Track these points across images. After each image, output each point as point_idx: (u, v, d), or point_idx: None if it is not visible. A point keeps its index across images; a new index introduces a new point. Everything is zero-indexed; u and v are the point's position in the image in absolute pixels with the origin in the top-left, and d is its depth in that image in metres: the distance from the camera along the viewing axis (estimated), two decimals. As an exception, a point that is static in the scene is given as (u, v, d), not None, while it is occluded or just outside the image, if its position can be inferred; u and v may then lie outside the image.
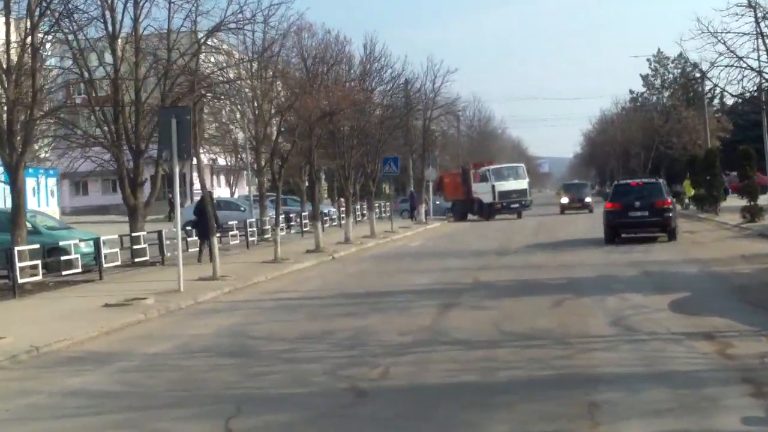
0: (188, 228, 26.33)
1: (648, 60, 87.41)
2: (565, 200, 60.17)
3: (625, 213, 27.94)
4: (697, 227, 34.24)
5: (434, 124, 51.52)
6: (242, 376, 10.30)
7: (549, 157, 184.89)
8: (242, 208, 42.77)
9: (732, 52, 27.36)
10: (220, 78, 25.61)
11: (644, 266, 20.79)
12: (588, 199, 59.60)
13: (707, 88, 69.45)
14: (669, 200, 28.83)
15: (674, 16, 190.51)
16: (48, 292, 19.38)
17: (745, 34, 27.17)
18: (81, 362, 11.69)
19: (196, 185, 72.94)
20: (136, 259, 24.04)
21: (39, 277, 19.53)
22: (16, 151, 19.87)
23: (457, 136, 70.89)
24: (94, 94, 24.74)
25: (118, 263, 22.96)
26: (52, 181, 54.20)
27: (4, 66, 19.42)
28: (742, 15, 27.13)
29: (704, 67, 42.85)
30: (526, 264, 22.72)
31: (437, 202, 58.01)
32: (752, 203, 32.64)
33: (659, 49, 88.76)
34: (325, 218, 42.86)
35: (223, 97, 24.05)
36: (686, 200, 50.13)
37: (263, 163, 36.34)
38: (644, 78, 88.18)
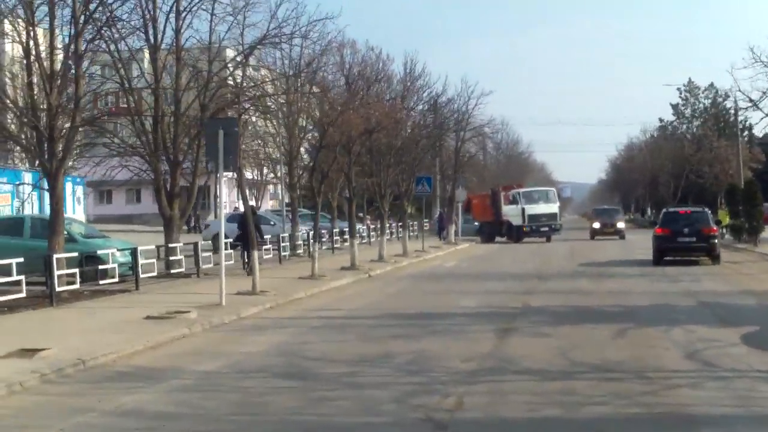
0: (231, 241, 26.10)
1: (678, 89, 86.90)
2: (596, 225, 57.35)
3: (674, 238, 30.44)
4: (739, 257, 33.41)
5: (465, 145, 50.84)
6: (305, 401, 9.68)
7: (571, 182, 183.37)
8: (272, 223, 42.22)
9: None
10: (260, 92, 25.04)
11: (698, 296, 20.07)
12: (620, 225, 56.78)
13: (741, 117, 68.99)
14: (715, 228, 31.53)
15: (709, 46, 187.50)
16: (85, 302, 18.84)
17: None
18: (131, 378, 11.08)
19: (223, 198, 72.99)
20: (172, 271, 23.51)
21: (76, 286, 19.03)
22: (56, 157, 19.38)
23: (483, 159, 70.14)
24: (133, 104, 24.27)
25: (155, 274, 22.41)
26: (79, 189, 53.98)
27: (48, 72, 18.95)
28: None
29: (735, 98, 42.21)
30: (572, 289, 22.03)
31: (475, 223, 57.10)
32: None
33: (690, 79, 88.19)
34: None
35: (262, 111, 23.35)
36: (722, 230, 49.22)
37: (296, 177, 35.89)
38: (674, 107, 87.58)
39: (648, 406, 9.18)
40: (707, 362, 11.70)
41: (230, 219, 43.70)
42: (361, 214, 61.19)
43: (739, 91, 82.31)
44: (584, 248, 43.88)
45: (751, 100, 27.59)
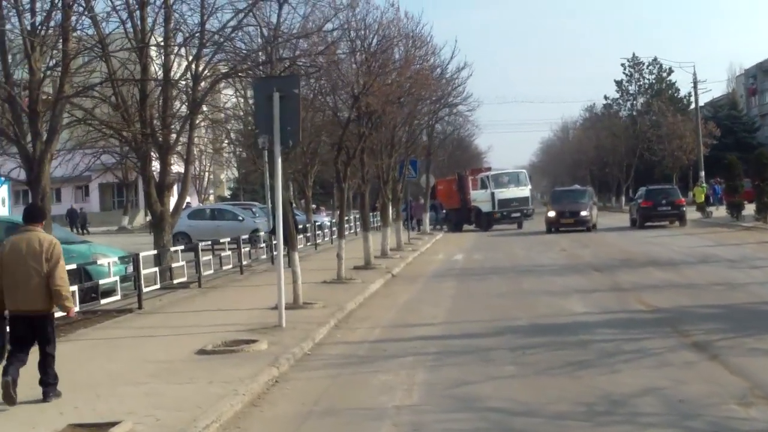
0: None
1: (623, 65, 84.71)
2: (552, 214, 43.32)
3: (654, 208, 41.55)
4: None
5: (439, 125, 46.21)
6: None
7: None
8: (240, 218, 37.74)
9: None
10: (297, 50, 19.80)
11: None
12: (585, 213, 42.62)
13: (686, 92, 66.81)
14: (683, 200, 43.09)
15: (649, 22, 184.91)
16: (85, 330, 14.31)
17: None
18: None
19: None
20: (174, 281, 19.06)
21: (76, 308, 14.43)
22: (40, 138, 14.88)
23: (436, 142, 65.81)
24: (113, 72, 19.43)
25: (157, 286, 17.97)
26: (3, 189, 48.62)
27: (28, 26, 14.41)
28: None
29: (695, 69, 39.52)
30: (665, 283, 18.40)
31: (443, 211, 52.69)
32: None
33: (634, 54, 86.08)
34: (318, 231, 36.99)
35: (312, 71, 18.56)
36: (708, 208, 46.67)
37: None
38: (618, 83, 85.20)
39: None
40: None
41: (192, 215, 39.16)
42: (314, 205, 56.49)
43: (662, 67, 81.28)
44: (578, 237, 40.38)
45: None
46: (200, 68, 20.15)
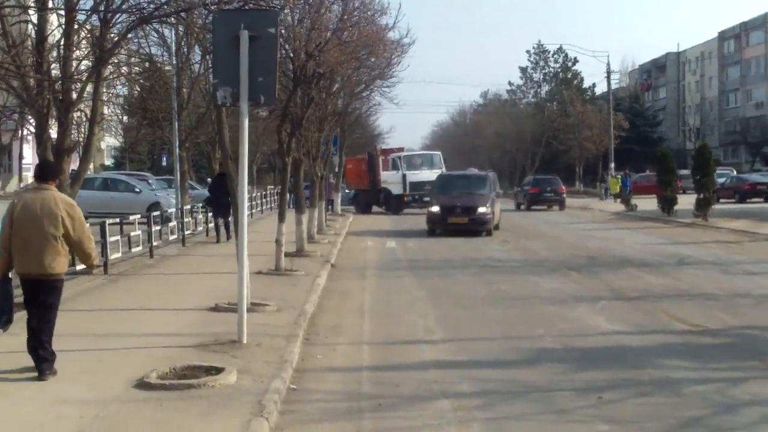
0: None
1: (528, 52, 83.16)
2: (435, 209, 29.74)
3: (541, 194, 49.79)
4: (723, 236, 28.10)
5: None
6: None
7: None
8: (137, 189, 33.56)
9: None
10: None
11: None
12: (484, 210, 28.96)
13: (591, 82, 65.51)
14: (564, 188, 51.22)
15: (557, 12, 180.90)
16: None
17: None
18: None
19: (26, 159, 61.53)
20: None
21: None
22: None
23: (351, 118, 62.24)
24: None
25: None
26: None
27: None
28: None
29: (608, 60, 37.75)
30: (670, 289, 15.58)
31: (346, 190, 49.63)
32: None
33: (540, 41, 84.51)
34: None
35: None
36: (632, 202, 44.73)
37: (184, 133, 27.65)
38: (523, 70, 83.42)
39: None
40: None
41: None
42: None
43: (567, 56, 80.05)
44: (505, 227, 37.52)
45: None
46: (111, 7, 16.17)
